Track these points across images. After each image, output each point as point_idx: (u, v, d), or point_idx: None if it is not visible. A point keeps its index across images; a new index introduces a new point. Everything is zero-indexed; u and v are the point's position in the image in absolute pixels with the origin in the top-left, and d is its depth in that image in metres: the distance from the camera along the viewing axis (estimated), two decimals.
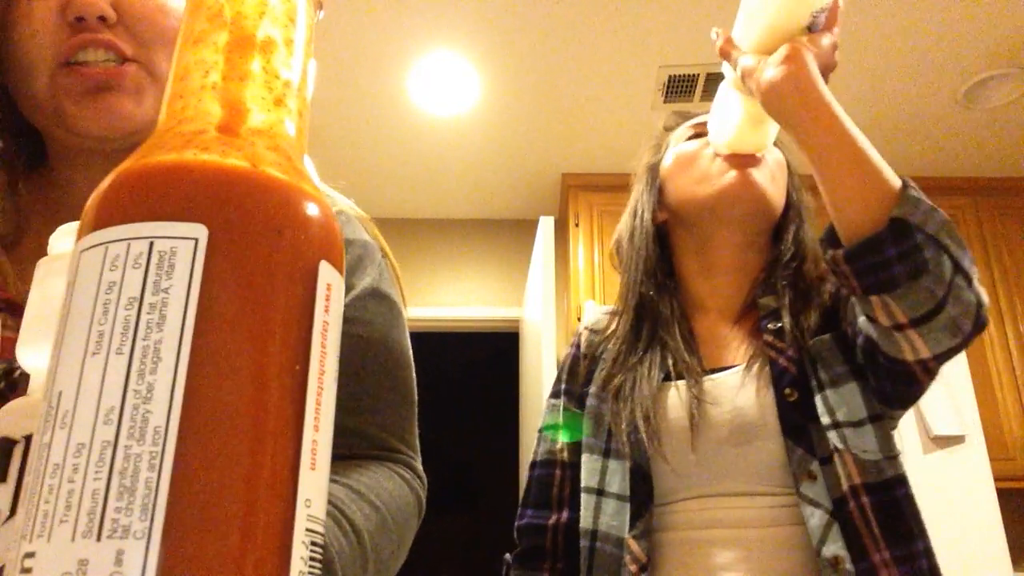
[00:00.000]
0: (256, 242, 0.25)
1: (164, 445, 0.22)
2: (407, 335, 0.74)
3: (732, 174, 0.95)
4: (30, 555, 0.21)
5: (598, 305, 3.06)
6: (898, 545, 0.78)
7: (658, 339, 0.97)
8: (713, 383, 0.91)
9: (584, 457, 0.95)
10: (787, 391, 0.85)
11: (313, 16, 0.32)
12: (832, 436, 0.82)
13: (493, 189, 3.63)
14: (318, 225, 0.27)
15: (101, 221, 0.25)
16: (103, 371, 0.23)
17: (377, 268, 0.73)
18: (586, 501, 0.92)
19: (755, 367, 0.89)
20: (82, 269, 0.24)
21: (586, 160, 3.39)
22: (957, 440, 2.60)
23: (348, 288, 0.69)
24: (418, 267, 3.69)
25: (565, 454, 1.00)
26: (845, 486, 0.79)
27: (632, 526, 0.86)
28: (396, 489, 0.64)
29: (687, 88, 2.93)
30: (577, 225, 3.36)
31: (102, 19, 0.62)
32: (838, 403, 0.84)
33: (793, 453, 0.82)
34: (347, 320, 0.67)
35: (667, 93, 2.96)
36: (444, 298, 3.72)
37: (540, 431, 1.04)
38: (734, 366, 0.92)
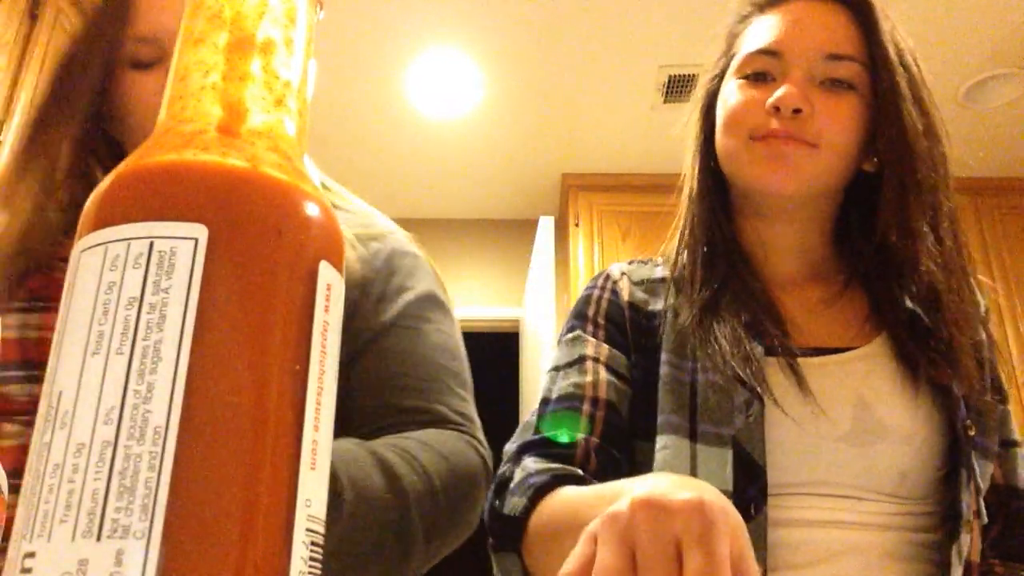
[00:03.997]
0: (256, 242, 0.25)
1: (164, 445, 0.22)
2: (461, 336, 0.82)
3: (762, 156, 0.75)
4: (30, 555, 0.21)
5: None
6: None
7: (738, 298, 0.78)
8: (823, 366, 0.74)
9: (666, 438, 0.73)
10: (968, 422, 0.72)
11: (313, 16, 0.32)
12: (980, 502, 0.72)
13: (493, 189, 3.63)
14: (318, 225, 0.27)
15: (101, 221, 0.25)
16: (103, 371, 0.23)
17: (431, 277, 0.82)
18: None
19: (885, 358, 0.75)
20: (82, 269, 0.24)
21: (586, 160, 3.39)
22: None
23: (406, 289, 0.77)
24: None
25: (603, 391, 0.75)
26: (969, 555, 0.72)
27: None
28: (463, 448, 0.72)
29: (687, 88, 2.93)
30: (577, 225, 3.36)
31: None
32: (982, 475, 0.74)
33: (967, 487, 0.71)
34: (412, 316, 0.76)
35: (667, 93, 2.96)
36: None
37: (555, 369, 0.80)
38: (845, 348, 0.76)
